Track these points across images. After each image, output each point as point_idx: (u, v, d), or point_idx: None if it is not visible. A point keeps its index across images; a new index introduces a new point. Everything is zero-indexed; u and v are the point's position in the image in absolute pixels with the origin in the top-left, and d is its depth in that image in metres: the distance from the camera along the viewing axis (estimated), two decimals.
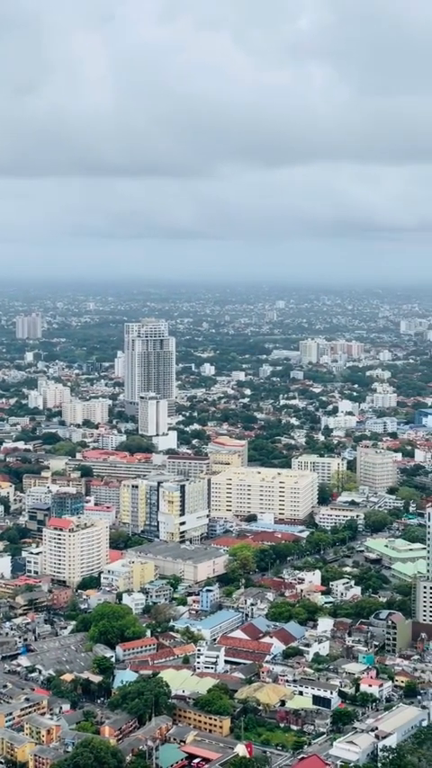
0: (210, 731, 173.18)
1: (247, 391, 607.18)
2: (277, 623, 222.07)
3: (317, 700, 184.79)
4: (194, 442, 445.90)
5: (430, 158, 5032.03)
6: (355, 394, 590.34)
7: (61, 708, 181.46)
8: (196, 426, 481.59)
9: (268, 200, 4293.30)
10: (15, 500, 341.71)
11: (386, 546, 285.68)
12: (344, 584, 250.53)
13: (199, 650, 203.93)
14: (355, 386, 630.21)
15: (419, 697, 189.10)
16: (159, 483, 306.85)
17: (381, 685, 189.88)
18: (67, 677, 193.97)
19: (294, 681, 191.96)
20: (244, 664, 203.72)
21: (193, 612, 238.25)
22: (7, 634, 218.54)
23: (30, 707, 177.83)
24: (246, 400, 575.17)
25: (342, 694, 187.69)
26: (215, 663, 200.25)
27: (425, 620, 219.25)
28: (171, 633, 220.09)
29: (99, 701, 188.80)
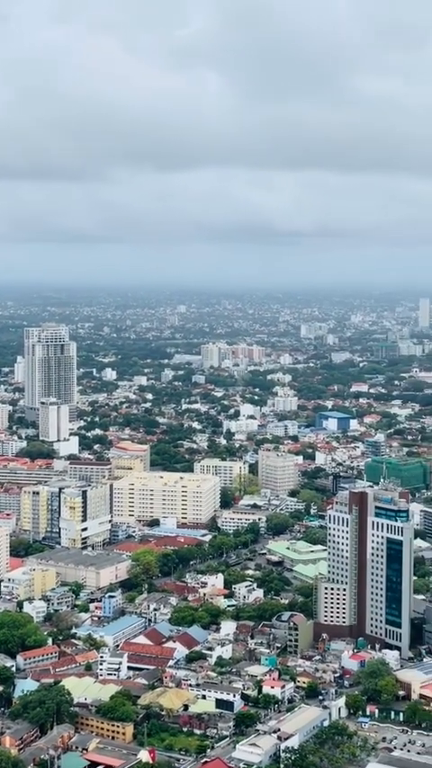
0: (112, 738, 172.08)
1: (149, 396, 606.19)
2: (180, 628, 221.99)
3: (220, 703, 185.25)
4: (96, 447, 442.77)
5: (323, 164, 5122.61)
6: (256, 398, 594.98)
7: None
8: (98, 431, 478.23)
9: (165, 204, 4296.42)
10: None
11: (288, 548, 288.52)
12: (246, 586, 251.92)
13: (101, 657, 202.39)
14: (257, 390, 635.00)
15: (321, 697, 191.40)
16: (61, 489, 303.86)
17: (283, 687, 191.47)
18: None
19: (197, 685, 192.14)
20: (147, 669, 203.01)
21: (96, 619, 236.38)
22: None
23: None
24: (148, 405, 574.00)
25: (245, 697, 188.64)
26: (118, 669, 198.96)
27: (326, 620, 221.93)
28: (73, 641, 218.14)
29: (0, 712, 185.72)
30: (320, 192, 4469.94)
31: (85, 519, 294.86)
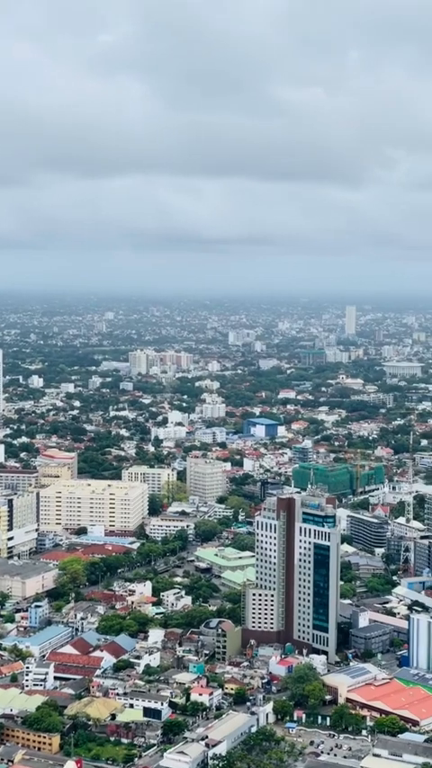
0: (39, 749, 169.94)
1: (77, 403, 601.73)
2: (108, 636, 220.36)
3: (147, 711, 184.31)
4: (23, 455, 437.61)
5: (248, 172, 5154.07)
6: (184, 404, 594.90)
7: None
8: (24, 439, 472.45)
9: (90, 210, 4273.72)
10: None
11: (216, 555, 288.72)
12: (174, 594, 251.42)
13: (27, 667, 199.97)
14: (185, 396, 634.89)
15: (248, 703, 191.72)
16: None
17: (211, 694, 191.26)
18: None
19: (125, 694, 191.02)
20: (74, 679, 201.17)
21: (22, 629, 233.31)
22: None
23: None
24: (75, 412, 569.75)
25: (173, 705, 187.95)
26: (44, 680, 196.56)
27: (254, 626, 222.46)
28: None
29: None
30: (245, 200, 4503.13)
31: (10, 528, 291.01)
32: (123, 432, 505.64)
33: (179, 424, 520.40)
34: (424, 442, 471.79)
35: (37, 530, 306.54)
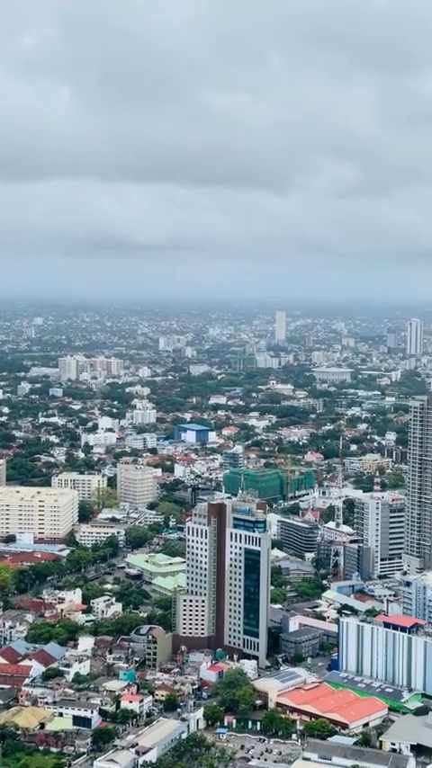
0: None
1: (5, 409, 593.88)
2: (37, 645, 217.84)
3: (77, 720, 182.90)
4: None
5: (176, 177, 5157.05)
6: (115, 410, 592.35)
7: None
8: None
9: (17, 215, 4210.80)
10: None
11: (147, 561, 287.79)
12: (105, 601, 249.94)
13: None
14: (115, 402, 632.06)
15: (179, 710, 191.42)
16: None
17: (141, 701, 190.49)
18: None
19: (54, 702, 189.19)
20: (2, 688, 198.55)
21: None
22: None
23: None
24: (3, 418, 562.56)
25: (103, 713, 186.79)
26: None
27: (185, 632, 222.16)
28: None
29: None
30: (173, 205, 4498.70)
31: None
32: (53, 438, 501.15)
33: (109, 430, 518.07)
34: (353, 447, 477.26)
35: None
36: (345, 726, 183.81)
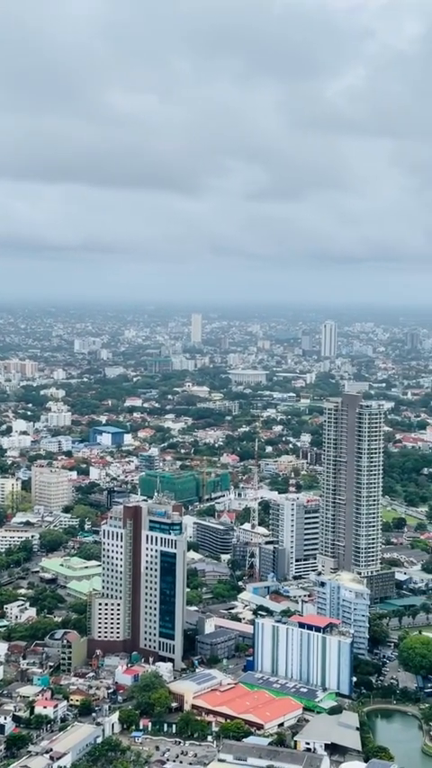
0: None
1: None
2: None
3: None
4: None
5: (87, 178, 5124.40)
6: (29, 413, 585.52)
7: None
8: None
9: None
10: None
11: (62, 565, 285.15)
12: (18, 606, 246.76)
13: None
14: (30, 405, 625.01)
15: (94, 714, 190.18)
16: None
17: (56, 706, 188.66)
18: None
19: None
20: None
21: None
22: None
23: None
24: None
25: (16, 718, 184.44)
26: None
27: (100, 636, 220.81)
28: None
29: None
30: (86, 206, 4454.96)
31: None
32: None
33: (24, 432, 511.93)
34: (269, 449, 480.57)
35: None
36: (260, 726, 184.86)
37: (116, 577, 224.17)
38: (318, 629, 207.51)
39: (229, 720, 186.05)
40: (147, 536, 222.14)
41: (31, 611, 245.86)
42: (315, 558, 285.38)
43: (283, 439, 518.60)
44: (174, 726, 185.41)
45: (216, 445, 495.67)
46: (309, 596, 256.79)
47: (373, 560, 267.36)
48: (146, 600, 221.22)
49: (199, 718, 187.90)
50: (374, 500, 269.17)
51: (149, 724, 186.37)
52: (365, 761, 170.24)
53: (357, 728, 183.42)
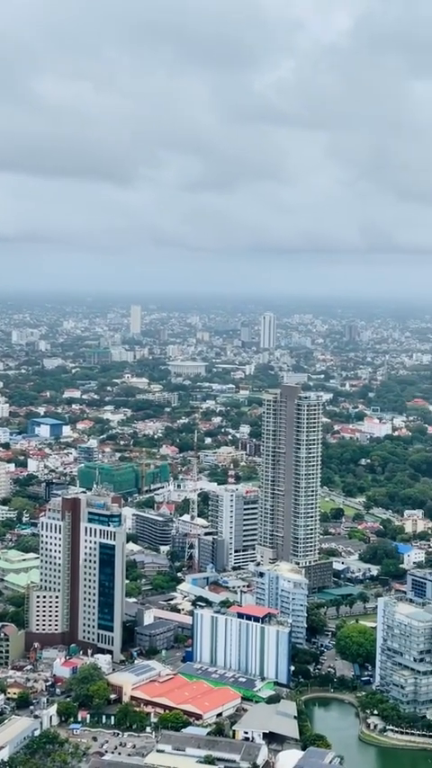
0: None
1: None
2: None
3: None
4: None
5: (21, 167, 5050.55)
6: None
7: None
8: None
9: None
10: None
11: None
12: None
13: None
14: None
15: (32, 707, 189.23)
16: None
17: None
18: None
19: None
20: None
21: None
22: None
23: None
24: None
25: None
26: None
27: (38, 629, 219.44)
28: None
29: None
30: (21, 196, 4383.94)
31: None
32: None
33: None
34: (208, 440, 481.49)
35: None
36: (199, 717, 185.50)
37: (54, 570, 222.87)
38: (256, 620, 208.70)
39: (167, 711, 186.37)
40: (85, 528, 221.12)
41: None
42: (254, 549, 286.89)
43: (223, 430, 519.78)
44: (112, 717, 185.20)
45: (155, 437, 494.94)
46: (247, 587, 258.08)
47: (311, 550, 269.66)
48: (84, 592, 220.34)
49: (137, 709, 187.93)
50: (313, 491, 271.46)
51: (88, 716, 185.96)
52: (303, 749, 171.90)
53: (295, 717, 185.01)
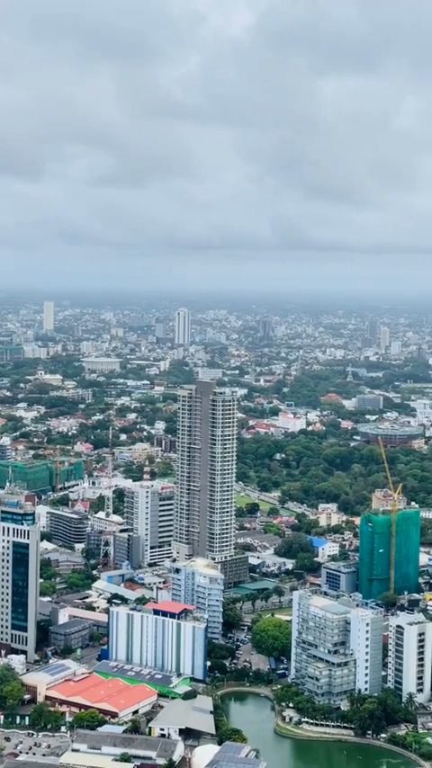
0: None
1: None
2: None
3: None
4: None
5: None
6: None
7: None
8: None
9: None
10: None
11: None
12: None
13: None
14: None
15: None
16: None
17: None
18: None
19: None
20: None
21: None
22: None
23: None
24: None
25: None
26: None
27: None
28: None
29: None
30: None
31: None
32: None
33: None
34: (123, 437, 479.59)
35: None
36: (114, 714, 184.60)
37: None
38: (172, 616, 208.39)
39: (83, 710, 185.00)
40: None
41: None
42: (170, 545, 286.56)
43: (138, 427, 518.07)
44: (27, 718, 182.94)
45: (69, 434, 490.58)
46: (164, 583, 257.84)
47: (227, 545, 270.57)
48: None
49: (52, 709, 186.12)
50: (228, 486, 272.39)
51: (1, 717, 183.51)
52: (219, 744, 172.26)
53: (211, 712, 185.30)
